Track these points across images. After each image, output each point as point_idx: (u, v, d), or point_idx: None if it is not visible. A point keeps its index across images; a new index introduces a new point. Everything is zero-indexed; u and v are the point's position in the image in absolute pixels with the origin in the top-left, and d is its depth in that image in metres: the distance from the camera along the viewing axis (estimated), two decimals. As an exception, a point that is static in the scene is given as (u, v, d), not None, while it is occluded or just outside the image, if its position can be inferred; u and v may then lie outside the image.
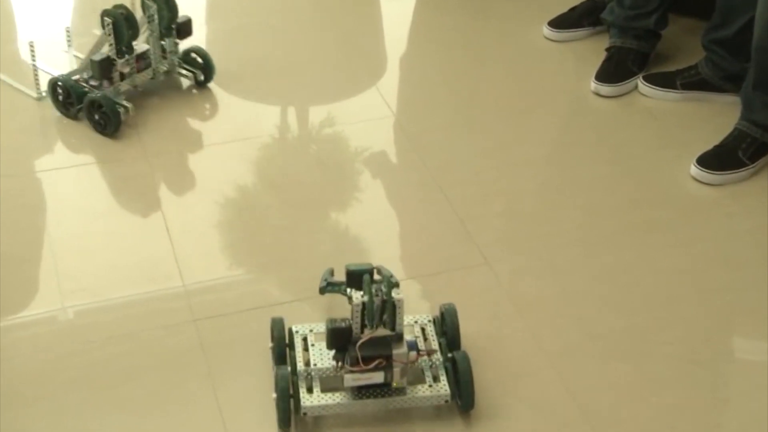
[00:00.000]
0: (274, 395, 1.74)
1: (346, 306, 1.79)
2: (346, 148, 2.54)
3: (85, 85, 2.52)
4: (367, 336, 1.72)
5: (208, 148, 2.50)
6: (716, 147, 2.44)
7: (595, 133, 2.58)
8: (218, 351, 1.92)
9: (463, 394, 1.78)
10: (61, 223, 2.23)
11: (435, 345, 1.86)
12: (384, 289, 1.71)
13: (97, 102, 2.45)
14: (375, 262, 1.83)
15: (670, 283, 2.12)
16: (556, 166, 2.49)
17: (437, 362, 1.83)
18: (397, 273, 2.09)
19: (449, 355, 1.84)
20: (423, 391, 1.79)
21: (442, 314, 1.90)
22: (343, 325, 1.72)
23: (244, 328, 1.97)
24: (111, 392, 1.84)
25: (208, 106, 2.65)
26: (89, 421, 1.79)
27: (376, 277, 1.79)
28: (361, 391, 1.77)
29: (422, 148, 2.50)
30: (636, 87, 2.73)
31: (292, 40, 2.93)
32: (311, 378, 1.80)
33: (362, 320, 1.72)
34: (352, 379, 1.73)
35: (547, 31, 2.95)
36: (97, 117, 2.47)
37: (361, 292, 1.72)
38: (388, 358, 1.72)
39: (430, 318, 1.93)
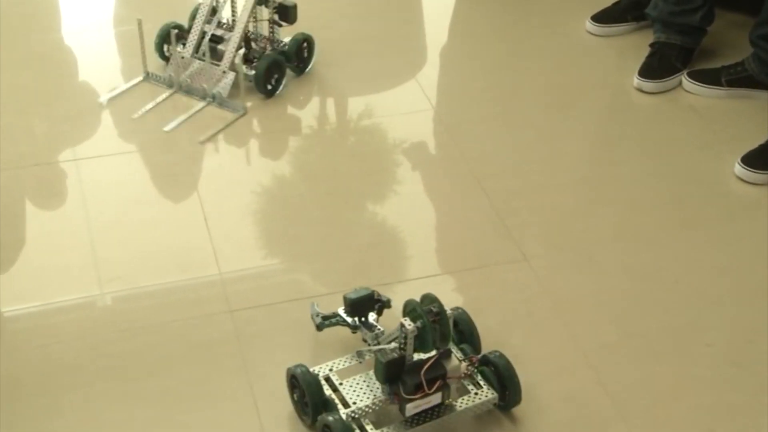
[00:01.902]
0: None
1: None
2: (384, 140, 2.52)
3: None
4: (429, 362, 1.64)
5: (246, 138, 2.50)
6: (761, 145, 2.40)
7: (637, 130, 2.55)
8: (254, 342, 1.92)
9: (511, 391, 1.74)
10: (102, 212, 2.23)
11: (458, 352, 1.80)
12: (435, 309, 1.63)
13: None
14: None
15: (711, 282, 2.09)
16: (597, 161, 2.45)
17: (470, 369, 1.76)
18: (433, 267, 2.10)
19: (479, 356, 1.78)
20: (471, 400, 1.72)
21: (455, 320, 1.82)
22: (395, 355, 1.63)
23: (280, 320, 1.96)
24: (144, 383, 1.84)
25: (245, 96, 2.65)
26: (121, 411, 1.79)
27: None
28: (415, 418, 1.69)
29: (461, 141, 2.48)
30: (680, 83, 2.69)
31: (332, 31, 2.91)
32: (359, 419, 1.69)
33: (413, 347, 1.64)
34: (414, 408, 1.65)
35: (589, 25, 2.91)
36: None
37: (408, 320, 1.62)
38: (444, 377, 1.66)
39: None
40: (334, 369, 1.78)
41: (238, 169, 2.39)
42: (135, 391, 1.83)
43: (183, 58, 2.59)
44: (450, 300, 1.98)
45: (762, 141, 2.40)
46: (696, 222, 2.25)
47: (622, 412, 1.80)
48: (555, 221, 2.25)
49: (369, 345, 1.77)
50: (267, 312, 1.99)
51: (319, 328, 1.86)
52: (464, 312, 1.84)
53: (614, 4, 2.94)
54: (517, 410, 1.79)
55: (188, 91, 2.61)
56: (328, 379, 1.76)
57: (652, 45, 2.74)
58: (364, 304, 1.79)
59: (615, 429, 1.78)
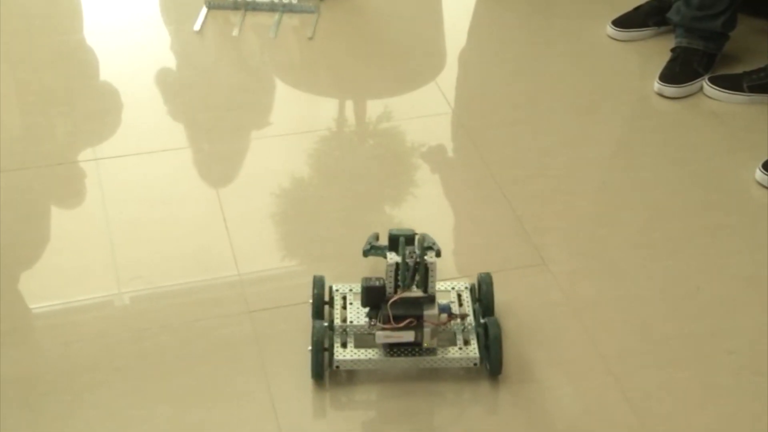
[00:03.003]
0: (310, 347, 1.81)
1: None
2: (403, 143, 2.52)
3: None
4: (398, 296, 1.77)
5: (266, 140, 2.50)
6: (783, 152, 2.39)
7: (658, 135, 2.53)
8: (273, 344, 1.92)
9: (492, 359, 1.83)
10: (122, 211, 2.24)
11: (469, 310, 1.92)
12: (417, 252, 1.76)
13: None
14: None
15: (733, 289, 2.07)
16: (618, 167, 2.44)
17: (469, 326, 1.89)
18: (451, 270, 2.10)
19: (482, 320, 1.88)
20: (453, 353, 1.85)
21: (479, 282, 1.95)
22: (377, 284, 1.77)
23: (299, 322, 1.96)
24: (163, 383, 1.84)
25: (266, 98, 2.66)
26: (140, 410, 1.79)
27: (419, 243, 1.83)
28: (393, 349, 1.83)
29: (481, 145, 2.47)
30: (701, 89, 2.67)
31: (351, 33, 2.91)
32: (346, 333, 1.87)
33: (395, 280, 1.78)
34: (383, 336, 1.78)
35: (611, 30, 2.90)
36: None
37: (395, 253, 1.79)
38: (419, 319, 1.77)
39: (468, 285, 1.98)
40: (353, 290, 1.94)
41: (258, 171, 2.39)
42: (154, 390, 1.83)
43: None
44: (467, 304, 1.99)
45: (784, 147, 2.40)
46: (718, 228, 2.23)
47: (642, 419, 1.79)
48: (576, 226, 2.24)
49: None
50: (286, 313, 1.99)
51: (365, 254, 1.98)
52: (489, 276, 1.94)
53: (635, 9, 2.93)
54: (535, 415, 1.78)
55: (255, 7, 2.79)
56: (345, 297, 1.94)
57: (673, 50, 2.73)
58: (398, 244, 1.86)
59: (635, 436, 1.77)
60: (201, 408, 1.80)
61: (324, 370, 1.82)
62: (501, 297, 2.00)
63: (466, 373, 1.87)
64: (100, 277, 2.07)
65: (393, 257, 1.79)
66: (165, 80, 2.70)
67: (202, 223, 2.22)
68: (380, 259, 1.95)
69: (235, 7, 2.86)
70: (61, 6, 3.05)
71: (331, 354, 1.83)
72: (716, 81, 2.66)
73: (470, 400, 1.83)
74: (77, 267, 2.09)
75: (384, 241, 1.95)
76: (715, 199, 2.33)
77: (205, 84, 2.68)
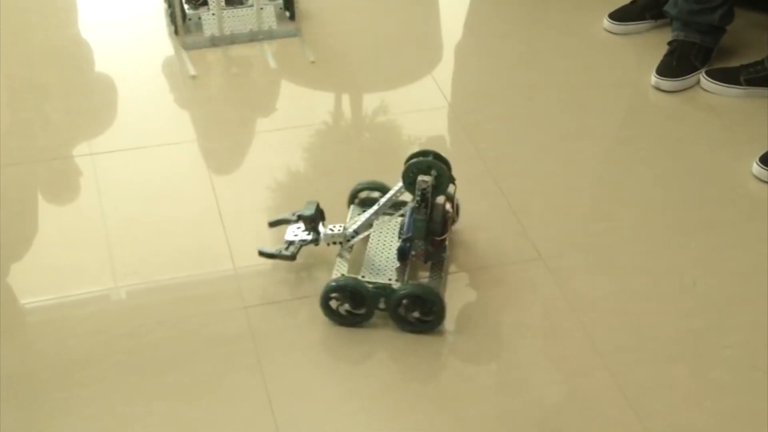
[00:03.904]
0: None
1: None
2: (399, 137, 2.51)
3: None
4: None
5: (262, 134, 2.49)
6: (780, 146, 2.39)
7: (654, 129, 2.53)
8: (269, 339, 1.91)
9: None
10: (118, 206, 2.23)
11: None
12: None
13: None
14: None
15: (730, 284, 2.07)
16: (614, 161, 2.44)
17: None
18: (449, 265, 2.09)
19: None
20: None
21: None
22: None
23: (295, 317, 1.96)
24: (159, 379, 1.84)
25: (262, 92, 2.65)
26: (137, 407, 1.79)
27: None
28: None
29: (477, 139, 2.46)
30: (698, 82, 2.67)
31: (348, 27, 2.90)
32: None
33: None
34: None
35: (607, 23, 2.90)
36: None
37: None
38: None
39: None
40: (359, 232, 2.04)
41: (254, 166, 2.38)
42: (150, 386, 1.82)
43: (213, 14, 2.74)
44: (464, 295, 1.98)
45: (781, 141, 2.39)
46: (714, 222, 2.23)
47: (640, 415, 1.79)
48: (572, 221, 2.23)
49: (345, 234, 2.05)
50: (281, 309, 1.98)
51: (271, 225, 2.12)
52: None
53: (632, 2, 2.92)
54: (532, 412, 1.78)
55: (232, 40, 2.77)
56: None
57: (670, 43, 2.72)
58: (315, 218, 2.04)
59: (631, 431, 1.77)
60: (197, 404, 1.79)
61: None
62: (497, 291, 1.99)
63: (467, 372, 1.86)
64: (95, 273, 2.06)
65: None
66: (160, 75, 2.69)
67: (197, 217, 2.21)
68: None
69: (213, 44, 2.80)
70: (56, 0, 3.04)
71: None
72: (713, 74, 2.65)
73: (467, 397, 1.83)
74: (72, 262, 2.08)
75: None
76: (711, 192, 2.32)
77: (201, 79, 2.67)
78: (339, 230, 2.05)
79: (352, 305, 1.92)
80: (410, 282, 1.96)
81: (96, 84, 2.65)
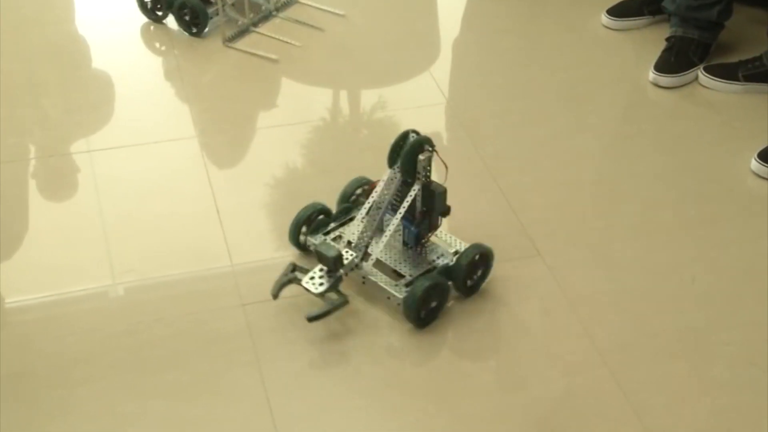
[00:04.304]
0: None
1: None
2: (397, 133, 2.49)
3: None
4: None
5: (259, 131, 2.49)
6: (778, 142, 2.38)
7: (653, 125, 2.53)
8: (266, 337, 1.91)
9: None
10: (116, 203, 2.23)
11: None
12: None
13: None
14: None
15: (729, 280, 2.07)
16: (613, 157, 2.43)
17: None
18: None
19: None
20: None
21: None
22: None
23: (292, 314, 1.95)
24: (157, 376, 1.83)
25: (260, 89, 2.64)
26: (134, 405, 1.78)
27: None
28: None
29: (475, 136, 2.46)
30: (696, 78, 2.67)
31: (344, 22, 2.90)
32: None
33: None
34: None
35: (605, 19, 2.89)
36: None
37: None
38: None
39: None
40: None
41: (251, 162, 2.38)
42: (148, 384, 1.82)
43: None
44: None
45: (779, 137, 2.39)
46: (713, 219, 2.23)
47: (638, 411, 1.79)
48: (570, 217, 2.23)
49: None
50: (279, 306, 1.98)
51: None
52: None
53: (630, -2, 2.92)
54: (531, 409, 1.77)
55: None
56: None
57: (668, 39, 2.72)
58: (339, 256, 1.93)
59: (631, 429, 1.76)
60: (195, 402, 1.79)
61: None
62: (496, 288, 1.99)
63: (466, 370, 1.85)
64: (93, 270, 2.05)
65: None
66: (158, 71, 2.68)
67: (195, 214, 2.21)
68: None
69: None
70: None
71: None
72: (711, 70, 2.65)
73: (466, 395, 1.82)
74: (70, 260, 2.08)
75: None
76: (710, 189, 2.32)
77: (199, 75, 2.66)
78: (351, 256, 1.94)
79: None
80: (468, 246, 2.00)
81: (93, 80, 2.64)
